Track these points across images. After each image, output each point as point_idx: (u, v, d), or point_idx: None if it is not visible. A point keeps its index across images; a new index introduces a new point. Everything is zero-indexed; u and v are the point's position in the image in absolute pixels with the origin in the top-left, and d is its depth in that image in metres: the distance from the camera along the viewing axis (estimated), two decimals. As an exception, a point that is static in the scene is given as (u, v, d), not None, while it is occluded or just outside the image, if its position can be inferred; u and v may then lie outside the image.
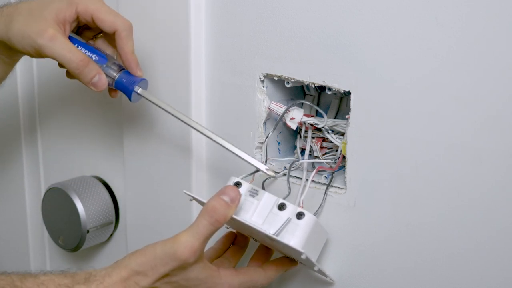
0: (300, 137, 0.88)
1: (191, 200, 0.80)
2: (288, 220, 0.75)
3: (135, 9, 0.94)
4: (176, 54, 0.90)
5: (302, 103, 0.86)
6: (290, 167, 0.84)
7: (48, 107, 1.12)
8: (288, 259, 0.83)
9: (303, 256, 0.73)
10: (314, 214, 0.78)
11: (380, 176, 0.78)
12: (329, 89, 0.81)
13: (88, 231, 1.02)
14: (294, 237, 0.74)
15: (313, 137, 0.87)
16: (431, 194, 0.75)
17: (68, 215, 1.02)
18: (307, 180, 0.82)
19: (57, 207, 1.05)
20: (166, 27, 0.91)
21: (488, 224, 0.73)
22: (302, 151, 0.88)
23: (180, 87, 0.91)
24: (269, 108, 0.85)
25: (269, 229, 0.75)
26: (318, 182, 0.84)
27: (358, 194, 0.80)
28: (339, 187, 0.83)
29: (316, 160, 0.85)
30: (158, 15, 0.91)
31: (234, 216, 0.74)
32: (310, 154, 0.87)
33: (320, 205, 0.82)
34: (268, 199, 0.77)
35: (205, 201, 0.75)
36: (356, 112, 0.79)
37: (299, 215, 0.75)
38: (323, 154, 0.86)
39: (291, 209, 0.76)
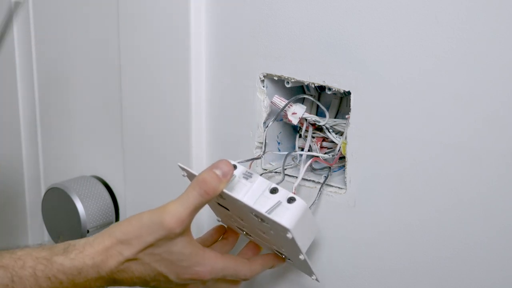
0: (300, 136, 0.89)
1: (184, 175, 0.79)
2: (279, 203, 0.74)
3: (135, 9, 0.94)
4: (176, 54, 0.90)
5: (303, 98, 0.86)
6: (286, 156, 0.84)
7: (48, 107, 1.12)
8: (275, 255, 0.82)
9: (288, 235, 0.72)
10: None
11: (380, 176, 0.78)
12: (329, 89, 0.81)
13: (88, 231, 1.02)
14: (284, 218, 0.73)
15: (313, 137, 0.87)
16: (431, 194, 0.75)
17: (68, 215, 1.02)
18: (302, 178, 0.82)
19: (57, 207, 1.05)
20: (166, 27, 0.91)
21: (488, 224, 0.73)
22: (302, 150, 0.88)
23: (180, 87, 0.91)
24: (272, 102, 0.85)
25: (260, 209, 0.74)
26: (318, 182, 0.84)
27: (358, 194, 0.80)
28: (339, 187, 0.83)
29: (314, 153, 0.85)
30: (158, 15, 0.91)
31: (224, 191, 0.74)
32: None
33: (314, 202, 0.82)
34: (261, 183, 0.76)
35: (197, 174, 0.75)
36: (356, 112, 0.79)
37: (290, 200, 0.74)
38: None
39: (283, 194, 0.75)
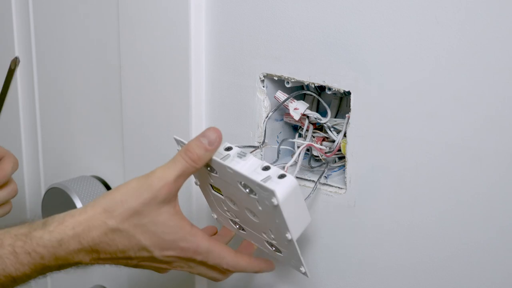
0: (300, 135, 0.89)
1: (178, 150, 0.79)
2: (269, 177, 0.74)
3: (135, 9, 0.94)
4: (176, 54, 0.90)
5: (304, 97, 0.87)
6: (282, 142, 0.85)
7: (48, 107, 1.12)
8: (265, 261, 0.81)
9: (274, 201, 0.70)
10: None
11: (380, 176, 0.78)
12: (329, 89, 0.81)
13: (88, 231, 1.02)
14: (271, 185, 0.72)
15: (313, 136, 0.87)
16: (431, 194, 0.75)
17: (68, 215, 1.02)
18: (301, 178, 0.82)
19: (57, 207, 1.05)
20: (166, 27, 0.91)
21: (488, 224, 0.73)
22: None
23: (180, 87, 0.91)
24: (275, 96, 0.85)
25: (247, 174, 0.73)
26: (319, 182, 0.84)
27: (358, 194, 0.80)
28: (339, 187, 0.83)
29: (311, 143, 0.85)
30: (158, 15, 0.91)
31: (214, 158, 0.74)
32: (308, 153, 0.88)
33: (309, 195, 0.81)
34: (254, 162, 0.76)
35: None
36: (356, 112, 0.79)
37: (281, 176, 0.74)
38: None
39: (274, 171, 0.75)
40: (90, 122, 1.07)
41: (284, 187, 0.73)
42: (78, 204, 1.01)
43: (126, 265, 0.76)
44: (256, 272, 0.81)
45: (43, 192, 1.11)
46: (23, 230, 0.73)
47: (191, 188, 0.93)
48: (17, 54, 1.12)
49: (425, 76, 0.73)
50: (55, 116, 1.11)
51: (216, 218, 0.86)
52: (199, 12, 0.88)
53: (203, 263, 0.77)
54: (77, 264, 0.74)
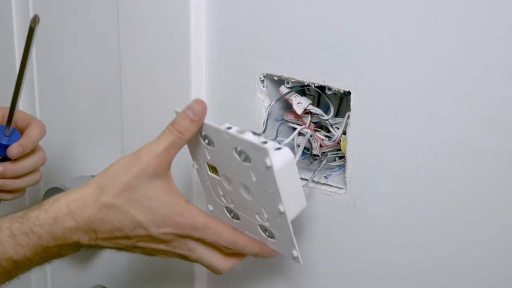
0: (300, 134, 0.88)
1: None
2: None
3: (135, 9, 0.94)
4: (176, 54, 0.90)
5: (305, 92, 0.87)
6: (280, 125, 0.86)
7: (48, 107, 1.12)
8: (265, 245, 0.79)
9: (267, 161, 0.70)
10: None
11: (380, 176, 0.78)
12: (329, 89, 0.81)
13: (88, 231, 1.02)
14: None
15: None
16: (431, 194, 0.75)
17: (68, 215, 1.02)
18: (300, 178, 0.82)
19: (57, 207, 1.04)
20: (166, 27, 0.91)
21: (488, 224, 0.73)
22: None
23: (180, 87, 0.91)
24: (279, 90, 0.85)
25: (242, 135, 0.73)
26: (318, 182, 0.84)
27: (358, 194, 0.80)
28: (339, 187, 0.83)
29: (310, 126, 0.86)
30: (158, 15, 0.91)
31: (212, 124, 0.74)
32: (307, 152, 0.88)
33: (307, 183, 0.82)
34: (253, 137, 0.76)
35: None
36: (356, 112, 0.79)
37: (278, 149, 0.74)
38: (322, 153, 0.87)
39: (271, 144, 0.75)
40: (90, 122, 1.07)
41: (279, 156, 0.73)
42: (78, 204, 1.01)
43: (126, 247, 0.76)
44: (256, 254, 0.79)
45: (43, 192, 1.10)
46: (20, 213, 0.73)
47: (192, 187, 0.93)
48: (17, 54, 1.12)
49: (425, 76, 0.73)
50: (55, 116, 1.11)
51: (212, 211, 0.86)
52: (199, 12, 0.88)
53: (201, 241, 0.77)
54: (76, 245, 0.74)
